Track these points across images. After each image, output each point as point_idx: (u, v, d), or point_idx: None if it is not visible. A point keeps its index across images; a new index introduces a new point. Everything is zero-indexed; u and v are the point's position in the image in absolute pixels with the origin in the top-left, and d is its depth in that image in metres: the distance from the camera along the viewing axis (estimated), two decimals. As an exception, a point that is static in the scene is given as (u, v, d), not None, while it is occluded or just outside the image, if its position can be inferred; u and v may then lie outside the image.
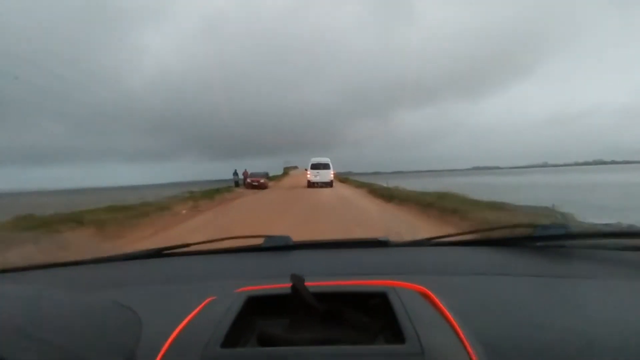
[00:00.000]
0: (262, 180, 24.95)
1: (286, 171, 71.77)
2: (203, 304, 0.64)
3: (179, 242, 1.25)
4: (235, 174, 27.92)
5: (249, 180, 25.37)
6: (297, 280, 0.61)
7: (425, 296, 0.63)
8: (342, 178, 37.42)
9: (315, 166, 22.24)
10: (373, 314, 0.60)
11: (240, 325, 0.57)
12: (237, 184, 26.70)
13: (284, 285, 0.64)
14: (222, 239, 1.27)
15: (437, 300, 0.61)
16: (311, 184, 21.66)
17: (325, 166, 22.16)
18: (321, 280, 0.71)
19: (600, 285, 0.76)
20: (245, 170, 28.27)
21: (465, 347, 0.48)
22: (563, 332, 0.54)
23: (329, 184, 21.44)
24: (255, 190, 22.60)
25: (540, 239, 1.05)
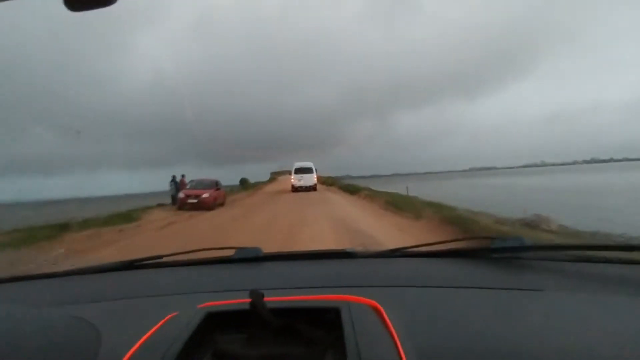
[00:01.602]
0: (205, 195, 13.86)
1: (274, 177, 61.89)
2: (164, 320, 0.64)
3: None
4: (174, 183, 16.91)
5: (181, 195, 14.28)
6: (256, 297, 0.63)
7: (376, 310, 0.65)
8: (347, 186, 25.07)
9: (298, 170, 22.19)
10: (328, 329, 0.62)
11: (199, 341, 0.58)
12: (174, 200, 16.09)
13: (245, 301, 0.64)
14: (195, 251, 1.29)
15: (385, 315, 0.63)
16: (295, 189, 21.68)
17: (309, 170, 22.21)
18: (281, 295, 0.72)
19: (546, 296, 0.78)
20: (183, 177, 17.13)
21: None
22: (503, 344, 0.56)
23: (312, 188, 21.67)
24: (177, 219, 11.42)
25: (497, 250, 1.07)
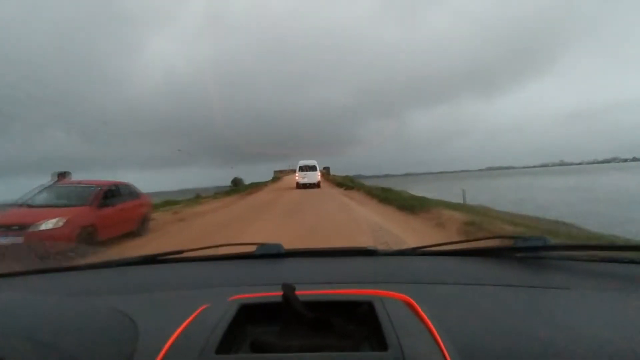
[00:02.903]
0: (45, 226, 5.26)
1: (278, 176, 54.08)
2: (197, 311, 0.65)
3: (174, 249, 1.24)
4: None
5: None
6: (288, 289, 0.63)
7: (409, 305, 0.66)
8: (384, 193, 16.01)
9: (303, 168, 23.38)
10: (360, 322, 0.62)
11: (234, 332, 0.59)
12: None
13: (275, 294, 0.65)
14: (216, 246, 1.29)
15: (419, 309, 0.63)
16: (300, 185, 22.58)
17: (312, 168, 23.31)
18: (311, 289, 0.73)
19: (573, 295, 0.79)
20: (69, 176, 8.51)
21: (443, 355, 0.50)
22: (536, 340, 0.57)
23: (316, 185, 22.59)
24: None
25: (520, 249, 1.07)
